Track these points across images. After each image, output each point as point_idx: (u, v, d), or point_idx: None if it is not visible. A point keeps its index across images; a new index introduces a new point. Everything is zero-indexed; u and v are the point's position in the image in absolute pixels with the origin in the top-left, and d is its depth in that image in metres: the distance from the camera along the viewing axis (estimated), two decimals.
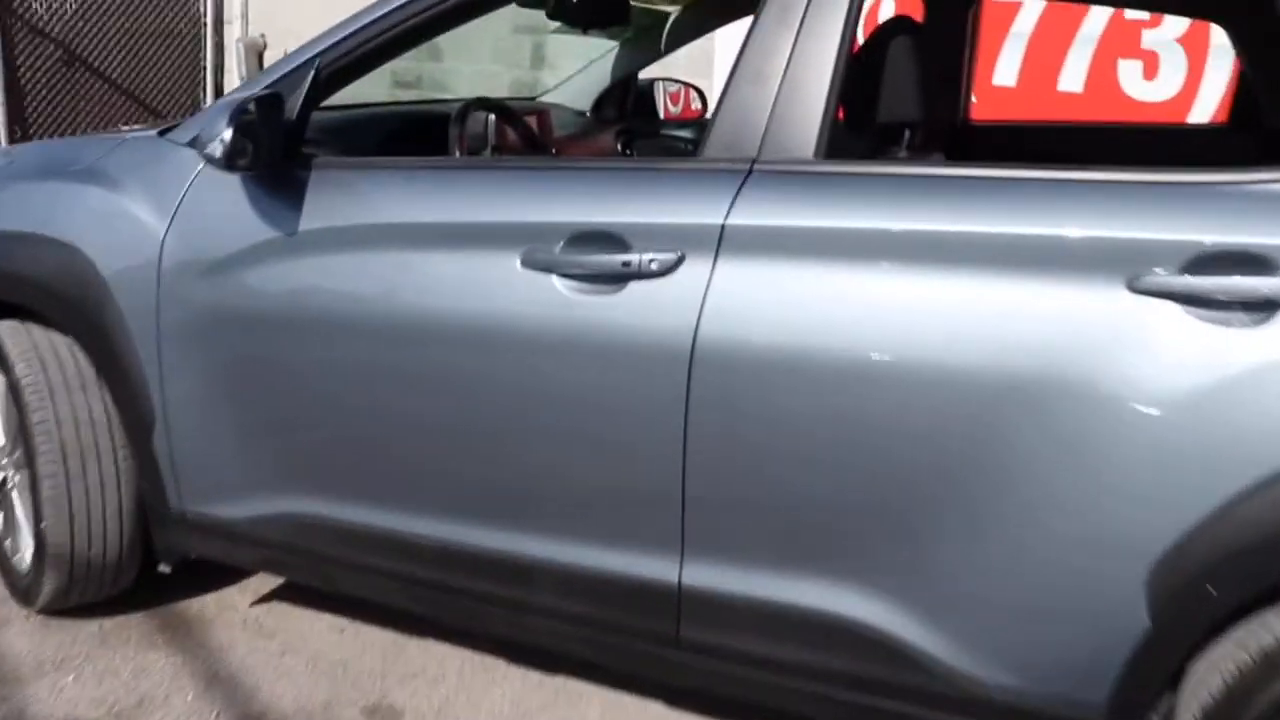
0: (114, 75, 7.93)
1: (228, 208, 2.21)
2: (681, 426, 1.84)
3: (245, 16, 8.21)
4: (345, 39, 2.18)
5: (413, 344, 2.05)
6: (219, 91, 8.37)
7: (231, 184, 2.20)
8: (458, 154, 2.46)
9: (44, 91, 7.64)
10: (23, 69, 7.53)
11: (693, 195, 1.86)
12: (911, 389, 1.70)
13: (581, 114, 3.56)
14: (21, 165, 2.64)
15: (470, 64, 7.21)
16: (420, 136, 2.59)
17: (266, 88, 2.19)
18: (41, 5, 7.55)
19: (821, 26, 1.85)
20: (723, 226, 1.81)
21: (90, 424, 2.45)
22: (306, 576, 2.42)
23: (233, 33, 8.24)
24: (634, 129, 3.57)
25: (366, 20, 2.17)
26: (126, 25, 7.88)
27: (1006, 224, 1.68)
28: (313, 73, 2.18)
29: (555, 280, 1.91)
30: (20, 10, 7.44)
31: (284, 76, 2.20)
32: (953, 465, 1.70)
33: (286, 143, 2.16)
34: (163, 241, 2.26)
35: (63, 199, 2.43)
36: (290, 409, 2.22)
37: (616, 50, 3.49)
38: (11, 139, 7.42)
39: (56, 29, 7.64)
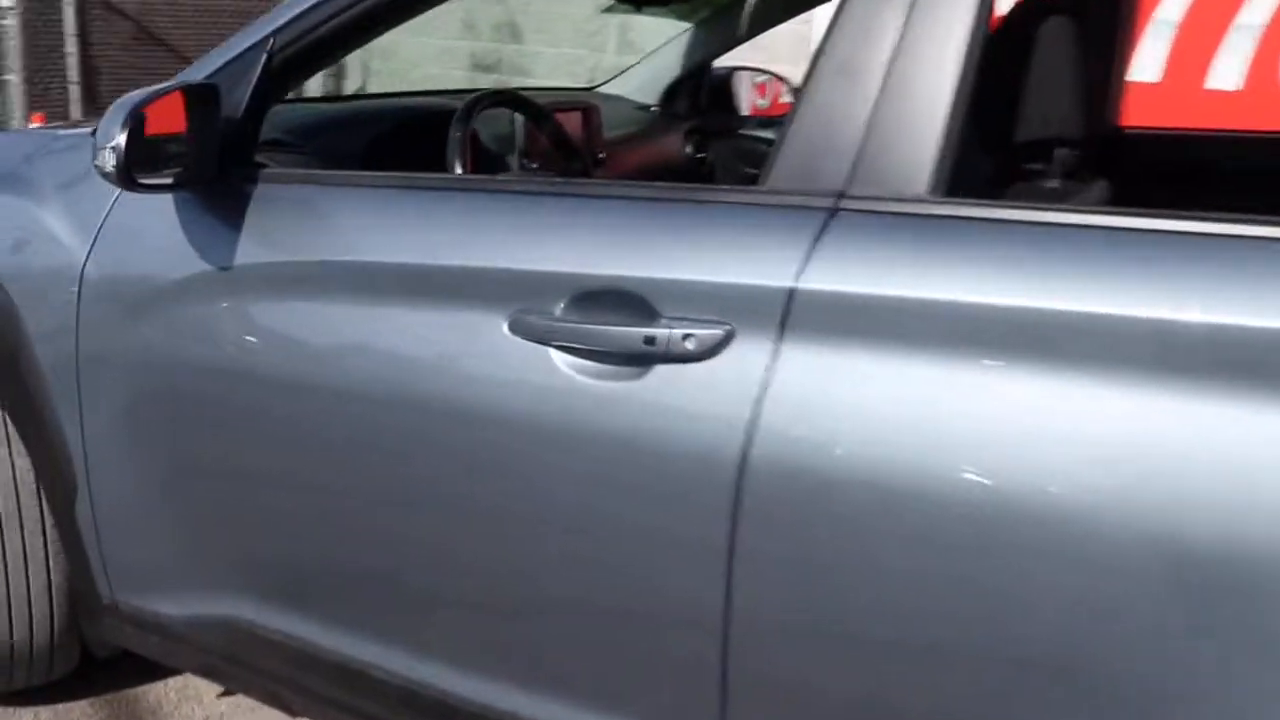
0: (188, 54, 7.63)
1: (156, 230, 1.72)
2: (723, 574, 1.29)
3: None
4: (308, 11, 1.66)
5: (372, 423, 1.54)
6: None
7: (162, 200, 1.71)
8: (458, 165, 1.92)
9: (117, 70, 7.39)
10: (96, 45, 7.27)
11: (749, 244, 1.31)
12: (1068, 546, 1.13)
13: (646, 108, 3.01)
14: None
15: (552, 47, 6.73)
16: (426, 138, 2.06)
17: (208, 77, 1.69)
18: None
19: (945, 2, 1.28)
20: (791, 292, 1.26)
21: (12, 484, 2.00)
22: (255, 694, 1.93)
23: None
24: (709, 127, 3.02)
25: None
26: (201, 3, 7.57)
27: (1245, 314, 1.09)
28: (265, 57, 1.67)
29: (553, 355, 1.38)
30: None
31: (229, 63, 1.70)
32: (1133, 662, 1.13)
33: (228, 148, 1.66)
34: (83, 269, 1.79)
35: None
36: (227, 488, 1.74)
37: (690, 33, 2.93)
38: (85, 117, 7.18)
39: (130, 5, 7.36)
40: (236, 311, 1.64)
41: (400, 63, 7.48)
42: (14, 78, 6.29)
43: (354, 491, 1.61)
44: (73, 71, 7.16)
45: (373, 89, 7.52)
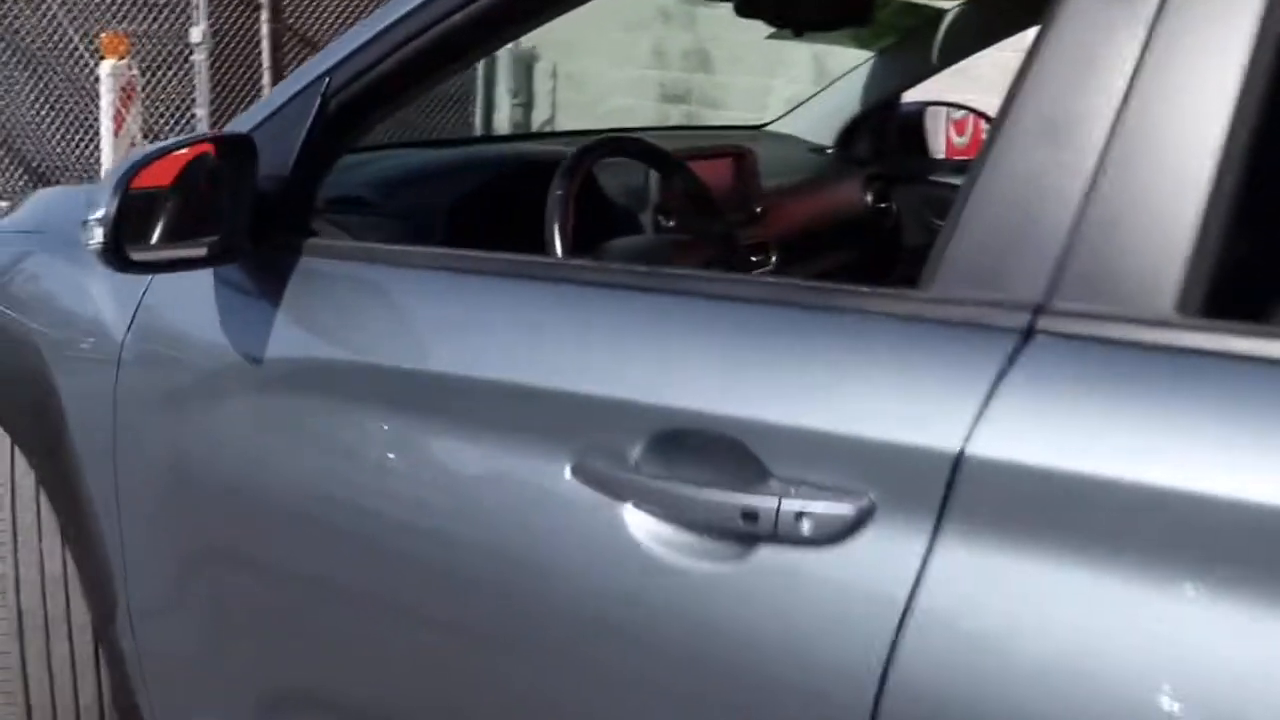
0: None
1: (191, 307, 1.44)
2: None
3: None
4: (369, 44, 1.34)
5: (409, 565, 1.21)
6: (488, 104, 7.94)
7: (202, 271, 1.43)
8: (558, 232, 1.55)
9: None
10: (288, 76, 7.36)
11: (901, 377, 0.91)
12: None
13: (821, 150, 2.60)
14: (28, 213, 1.98)
15: (744, 76, 6.38)
16: (533, 193, 1.71)
17: (251, 130, 1.40)
18: (310, 16, 7.33)
19: (1205, 22, 0.85)
20: (959, 456, 0.85)
21: (62, 585, 1.76)
22: None
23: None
24: (894, 172, 2.58)
25: (405, 10, 1.31)
26: None
27: None
28: (319, 101, 1.36)
29: (626, 515, 1.00)
30: (289, 19, 7.25)
31: (276, 111, 1.40)
32: None
33: (273, 213, 1.36)
34: (121, 348, 1.52)
35: (33, 269, 1.75)
36: (262, 620, 1.45)
37: (870, 64, 2.51)
38: None
39: (326, 40, 7.41)
40: (265, 413, 1.34)
41: (591, 94, 7.27)
42: (202, 111, 6.36)
43: (401, 637, 1.28)
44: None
45: (562, 122, 7.33)
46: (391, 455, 1.21)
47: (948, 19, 2.36)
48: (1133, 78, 0.85)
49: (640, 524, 0.99)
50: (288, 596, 1.42)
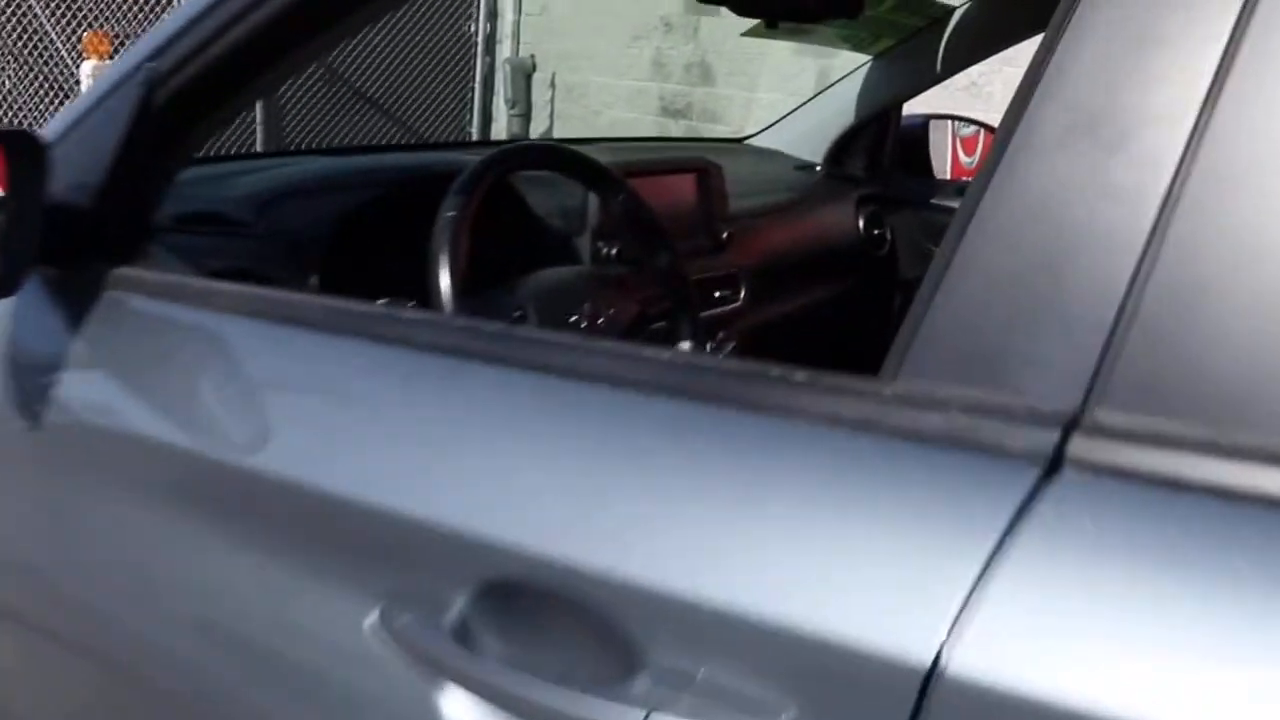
0: (375, 94, 7.41)
1: None
2: None
3: (516, 35, 7.47)
4: (201, 18, 1.04)
5: (182, 694, 0.91)
6: (485, 114, 7.72)
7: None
8: (445, 265, 1.22)
9: (303, 110, 7.23)
10: (284, 86, 7.12)
11: (846, 530, 0.58)
12: None
13: (809, 167, 2.30)
14: None
15: (746, 90, 6.15)
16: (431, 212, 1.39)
17: (66, 128, 1.10)
18: None
19: None
20: (932, 672, 0.52)
21: None
22: None
23: (502, 53, 7.55)
24: (890, 194, 2.28)
25: None
26: (391, 44, 7.31)
27: None
28: (142, 94, 1.06)
29: (444, 696, 0.69)
30: None
31: (89, 110, 1.10)
32: None
33: (81, 236, 1.06)
34: None
35: None
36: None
37: (866, 70, 2.20)
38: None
39: None
40: (40, 486, 1.03)
41: (589, 105, 7.06)
42: None
43: None
44: (258, 112, 7.01)
45: (560, 133, 7.09)
46: (166, 561, 0.90)
47: (955, 18, 2.06)
48: (1226, 58, 0.54)
49: (460, 713, 0.67)
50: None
